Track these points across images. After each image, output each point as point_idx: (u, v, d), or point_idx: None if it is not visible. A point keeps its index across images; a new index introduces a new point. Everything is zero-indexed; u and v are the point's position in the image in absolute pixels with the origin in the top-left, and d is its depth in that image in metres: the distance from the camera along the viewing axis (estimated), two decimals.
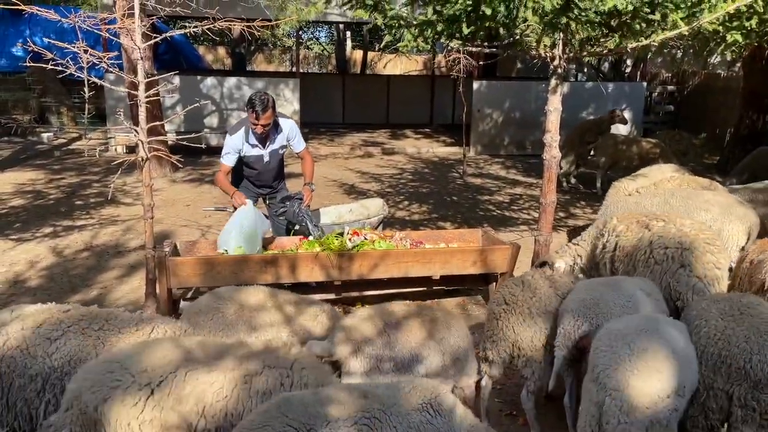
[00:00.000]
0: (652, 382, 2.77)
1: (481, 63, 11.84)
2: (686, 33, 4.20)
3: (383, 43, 5.96)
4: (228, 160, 5.31)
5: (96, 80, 4.42)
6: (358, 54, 25.93)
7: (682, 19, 4.08)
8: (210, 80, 13.06)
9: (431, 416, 2.41)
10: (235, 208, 5.19)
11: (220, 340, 2.87)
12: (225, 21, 4.46)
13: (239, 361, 2.62)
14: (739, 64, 13.76)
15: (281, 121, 5.40)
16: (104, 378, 2.48)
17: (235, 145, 5.27)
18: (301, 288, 4.94)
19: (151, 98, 4.44)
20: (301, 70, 18.20)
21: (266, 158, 5.41)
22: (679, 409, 2.85)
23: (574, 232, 7.35)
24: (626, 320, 3.18)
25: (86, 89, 4.25)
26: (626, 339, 2.89)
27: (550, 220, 5.11)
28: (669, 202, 5.41)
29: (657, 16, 4.06)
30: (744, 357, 2.98)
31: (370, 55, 25.77)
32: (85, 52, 4.07)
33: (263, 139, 5.31)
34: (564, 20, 4.03)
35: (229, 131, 5.36)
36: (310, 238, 5.24)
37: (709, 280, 3.91)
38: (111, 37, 5.74)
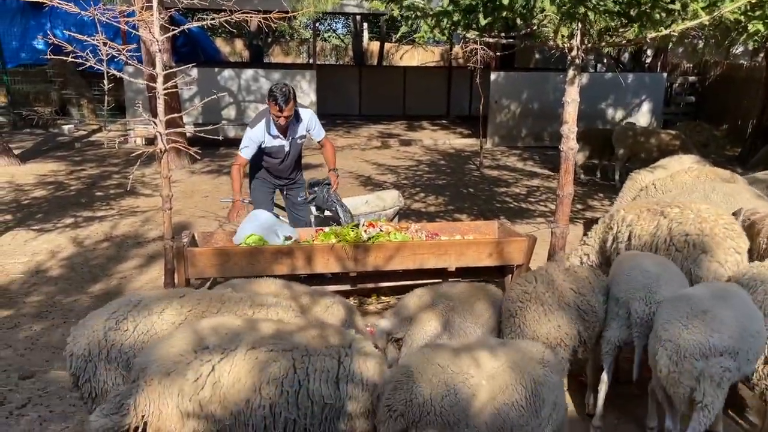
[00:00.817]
0: (704, 338, 2.96)
1: (498, 54, 11.75)
2: (707, 23, 4.13)
3: (399, 34, 5.94)
4: (246, 153, 5.32)
5: (115, 72, 4.46)
6: (375, 46, 25.86)
7: (702, 8, 4.01)
8: (227, 72, 13.12)
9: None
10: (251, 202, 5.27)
11: (281, 322, 2.99)
12: (242, 13, 4.48)
13: (298, 342, 2.73)
14: (762, 54, 13.49)
15: (300, 111, 5.42)
16: (169, 353, 2.61)
17: (257, 137, 5.28)
18: (317, 279, 4.97)
19: (170, 90, 4.48)
20: (318, 62, 18.19)
21: (287, 148, 5.43)
22: (733, 371, 3.00)
23: (591, 224, 7.28)
24: (701, 285, 3.52)
25: (106, 81, 4.29)
26: (690, 300, 3.17)
27: (567, 212, 5.07)
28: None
29: (677, 6, 3.99)
30: None
31: (387, 46, 25.68)
32: (104, 44, 4.11)
33: (284, 130, 5.34)
34: (582, 10, 3.99)
35: (250, 124, 5.37)
36: (342, 223, 5.26)
37: (730, 265, 3.90)
38: (130, 29, 5.79)
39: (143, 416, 2.52)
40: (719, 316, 3.05)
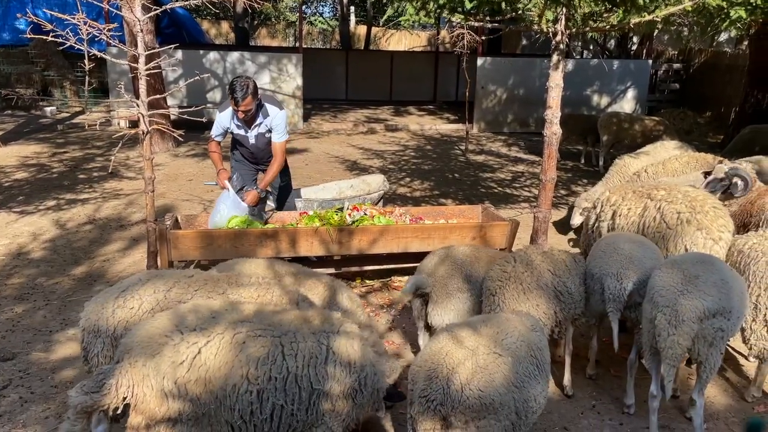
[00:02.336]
0: (698, 302, 3.14)
1: (484, 38, 11.74)
2: (690, 8, 4.16)
3: (385, 16, 5.90)
4: (214, 131, 5.42)
5: (96, 53, 4.40)
6: (362, 29, 25.68)
7: None
8: (212, 55, 13.00)
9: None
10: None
11: (272, 307, 3.00)
12: None
13: (287, 326, 2.75)
14: (745, 42, 13.60)
15: (269, 107, 5.33)
16: (154, 335, 2.61)
17: (223, 123, 5.36)
18: (301, 262, 4.98)
19: (152, 71, 4.43)
20: (305, 46, 18.04)
21: (251, 140, 5.43)
22: (726, 330, 3.21)
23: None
24: (684, 254, 3.77)
25: (86, 62, 4.24)
26: (681, 266, 3.32)
27: (549, 197, 5.11)
28: None
29: None
30: None
31: (374, 30, 25.51)
32: (85, 23, 4.05)
33: (247, 122, 5.31)
34: None
35: (219, 108, 5.41)
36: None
37: (724, 243, 4.00)
38: (112, 9, 5.71)
39: (124, 397, 2.51)
40: (710, 280, 3.22)
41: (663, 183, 4.59)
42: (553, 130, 4.89)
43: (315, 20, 29.75)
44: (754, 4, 4.65)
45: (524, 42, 20.62)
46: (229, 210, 5.00)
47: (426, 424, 2.61)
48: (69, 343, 4.35)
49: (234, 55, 13.01)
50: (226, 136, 5.48)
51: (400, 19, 4.85)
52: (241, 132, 5.40)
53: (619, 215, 4.40)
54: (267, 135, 5.44)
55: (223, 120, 5.34)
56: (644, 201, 4.34)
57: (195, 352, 2.57)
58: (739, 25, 5.22)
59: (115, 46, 4.45)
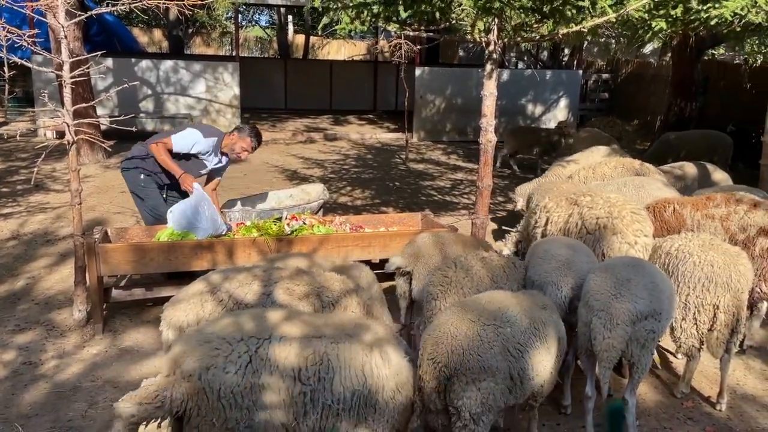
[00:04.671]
0: (630, 305, 3.26)
1: (420, 48, 11.87)
2: (614, 20, 4.33)
3: (321, 24, 5.90)
4: (179, 146, 5.16)
5: (17, 60, 4.20)
6: (300, 38, 25.58)
7: (610, 6, 4.20)
8: (145, 63, 12.64)
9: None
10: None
11: (310, 312, 3.18)
12: None
13: (331, 329, 2.83)
14: (669, 54, 14.29)
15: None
16: (204, 347, 2.60)
17: (201, 147, 5.26)
18: None
19: (78, 79, 4.26)
20: (242, 54, 17.81)
21: (204, 171, 5.54)
22: (656, 332, 3.34)
23: (513, 216, 7.51)
24: (615, 258, 3.89)
25: (6, 69, 4.04)
26: (613, 270, 3.43)
27: (486, 204, 5.19)
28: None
29: (586, 3, 4.16)
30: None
31: (313, 39, 25.47)
32: (3, 29, 3.86)
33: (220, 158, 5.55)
34: (497, 5, 4.08)
35: (202, 131, 5.30)
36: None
37: (640, 247, 4.11)
38: (36, 16, 5.47)
39: (177, 411, 2.49)
40: (641, 283, 3.33)
41: (591, 189, 4.74)
42: (488, 138, 4.97)
43: (252, 29, 29.43)
44: (674, 16, 4.89)
45: (461, 53, 21.03)
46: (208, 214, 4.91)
47: (432, 383, 2.94)
48: None
49: (167, 64, 12.70)
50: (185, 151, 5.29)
51: (335, 27, 4.84)
52: (211, 160, 5.47)
53: (551, 222, 4.51)
54: (215, 167, 5.63)
55: (203, 145, 5.26)
56: (572, 208, 4.46)
57: (247, 361, 2.59)
58: (660, 36, 5.48)
59: (38, 53, 4.26)
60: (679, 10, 4.84)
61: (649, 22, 4.75)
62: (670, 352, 4.55)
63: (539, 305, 3.26)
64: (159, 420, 2.53)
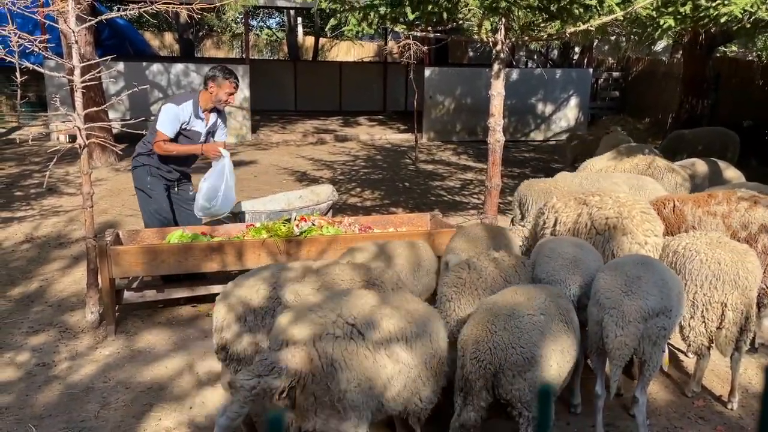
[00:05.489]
0: (642, 302, 3.26)
1: (429, 48, 11.88)
2: (621, 18, 4.31)
3: (328, 26, 5.90)
4: (169, 129, 5.02)
5: (29, 65, 4.26)
6: (310, 40, 25.66)
7: (617, 4, 4.19)
8: (156, 66, 12.73)
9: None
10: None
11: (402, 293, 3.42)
12: (163, 3, 4.35)
13: (416, 313, 3.07)
14: (681, 51, 14.18)
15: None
16: (312, 317, 2.82)
17: (181, 116, 5.04)
18: None
19: (88, 83, 4.31)
20: (252, 57, 17.89)
21: (202, 138, 5.28)
22: (667, 329, 3.35)
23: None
24: (624, 257, 3.85)
25: (18, 74, 4.10)
26: (624, 268, 3.43)
27: (495, 203, 5.20)
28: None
29: (593, 1, 4.15)
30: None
31: (322, 41, 25.54)
32: (15, 35, 3.91)
33: (207, 115, 5.23)
34: (504, 4, 4.08)
35: (173, 101, 5.12)
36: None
37: (650, 247, 4.09)
38: (46, 21, 5.53)
39: (291, 381, 2.64)
40: (651, 281, 3.33)
41: (601, 189, 4.71)
42: (497, 138, 4.97)
43: (261, 31, 29.57)
44: (683, 14, 4.87)
45: (471, 53, 20.99)
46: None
47: (479, 382, 3.02)
48: (5, 368, 4.16)
49: (178, 67, 12.78)
50: (177, 130, 5.12)
51: (342, 29, 4.86)
52: (198, 126, 5.18)
53: (560, 222, 4.49)
54: (210, 138, 5.37)
55: (183, 113, 5.02)
56: (581, 207, 4.44)
57: (350, 329, 2.80)
58: (670, 33, 5.44)
59: (49, 58, 4.31)
60: (688, 7, 4.81)
61: (657, 20, 4.72)
62: (681, 351, 4.53)
63: (556, 293, 3.37)
64: (276, 393, 2.66)
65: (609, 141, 9.17)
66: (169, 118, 5.02)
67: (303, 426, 2.73)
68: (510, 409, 3.08)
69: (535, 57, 19.86)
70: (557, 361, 3.09)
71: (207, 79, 5.13)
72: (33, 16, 4.70)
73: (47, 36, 4.29)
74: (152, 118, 11.62)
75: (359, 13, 4.62)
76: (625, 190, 5.51)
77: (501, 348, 3.01)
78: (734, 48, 15.40)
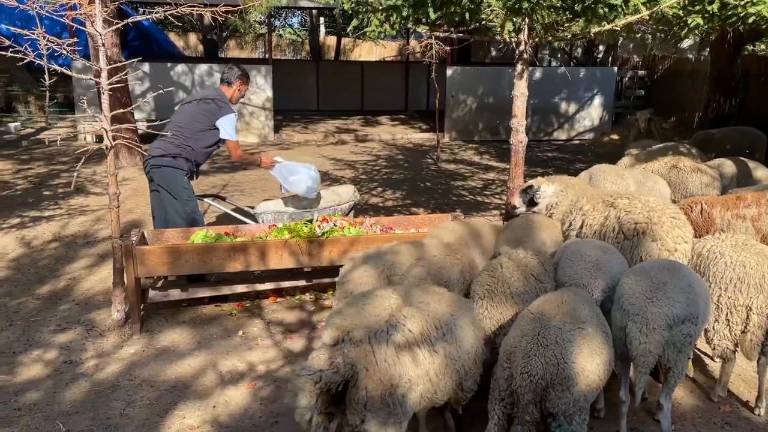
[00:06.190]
0: (667, 309, 3.21)
1: (450, 49, 11.84)
2: (647, 17, 4.25)
3: (350, 27, 5.94)
4: (236, 131, 5.45)
5: (57, 68, 4.34)
6: (332, 40, 25.74)
7: (643, 3, 4.13)
8: (180, 67, 12.88)
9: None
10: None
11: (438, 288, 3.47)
12: (188, 6, 4.40)
13: (458, 308, 3.23)
14: (708, 49, 13.94)
15: None
16: (365, 317, 2.94)
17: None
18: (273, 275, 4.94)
19: (115, 85, 4.38)
20: (274, 57, 18.00)
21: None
22: (693, 335, 3.28)
23: None
24: (650, 261, 3.79)
25: (47, 76, 4.17)
26: (649, 274, 3.37)
27: None
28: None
29: (618, 1, 4.10)
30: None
31: (344, 41, 25.60)
32: (44, 38, 3.99)
33: None
34: (526, 5, 4.05)
35: (232, 109, 5.43)
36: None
37: (680, 254, 4.03)
38: (74, 24, 5.63)
39: (347, 375, 2.73)
40: (677, 287, 3.27)
41: (628, 192, 4.64)
42: (519, 138, 4.94)
43: (284, 31, 29.73)
44: (711, 12, 4.78)
45: (493, 52, 20.87)
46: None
47: (528, 396, 2.96)
48: (33, 365, 4.25)
49: (202, 68, 12.91)
50: None
51: (365, 30, 4.87)
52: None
53: (586, 224, 4.43)
54: None
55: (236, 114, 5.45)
56: (608, 210, 4.37)
57: (403, 324, 2.91)
58: (697, 32, 5.35)
59: (77, 60, 4.39)
60: (715, 6, 4.73)
61: (684, 19, 4.64)
62: (707, 355, 4.46)
63: (589, 299, 3.32)
64: (334, 387, 2.73)
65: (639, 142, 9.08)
66: (235, 125, 5.43)
67: (350, 420, 2.78)
68: (551, 420, 3.01)
69: (559, 55, 19.67)
70: (599, 374, 3.02)
71: (235, 77, 5.41)
72: (61, 19, 4.78)
73: (75, 39, 4.36)
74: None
75: (382, 14, 4.62)
76: (632, 186, 5.44)
77: (553, 363, 2.93)
78: (763, 46, 15.09)
